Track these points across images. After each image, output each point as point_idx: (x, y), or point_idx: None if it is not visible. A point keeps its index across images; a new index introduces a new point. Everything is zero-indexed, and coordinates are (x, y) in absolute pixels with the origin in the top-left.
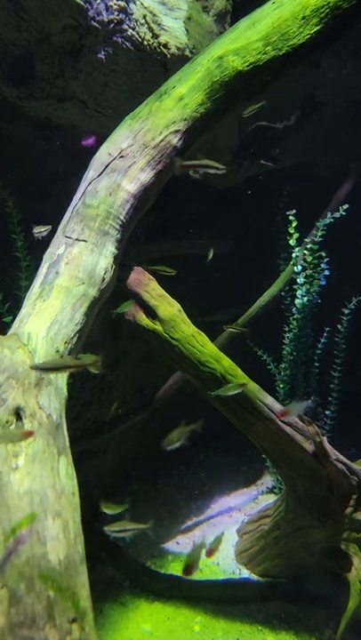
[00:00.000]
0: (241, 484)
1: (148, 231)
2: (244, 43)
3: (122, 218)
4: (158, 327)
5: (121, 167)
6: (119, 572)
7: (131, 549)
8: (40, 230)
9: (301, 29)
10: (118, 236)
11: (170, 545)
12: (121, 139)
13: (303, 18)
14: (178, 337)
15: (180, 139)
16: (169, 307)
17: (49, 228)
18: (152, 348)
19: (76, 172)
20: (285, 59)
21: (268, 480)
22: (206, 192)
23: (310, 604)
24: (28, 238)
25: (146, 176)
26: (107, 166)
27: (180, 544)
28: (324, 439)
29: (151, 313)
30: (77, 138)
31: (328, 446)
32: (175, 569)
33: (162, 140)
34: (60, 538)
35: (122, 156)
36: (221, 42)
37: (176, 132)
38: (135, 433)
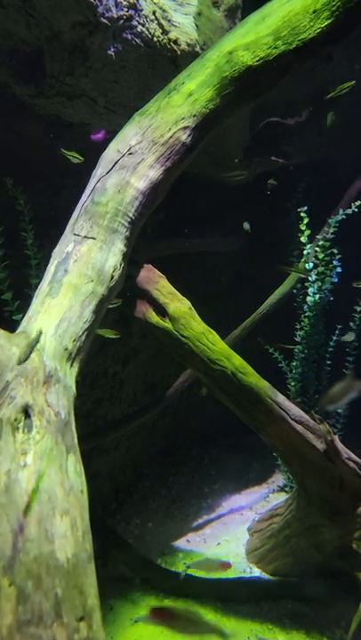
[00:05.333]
0: (252, 481)
1: (159, 229)
2: (254, 37)
3: (130, 215)
4: (168, 325)
5: (130, 164)
6: (129, 569)
7: (141, 546)
8: None
9: (312, 23)
10: (127, 233)
11: (180, 542)
12: (130, 135)
13: (314, 11)
14: (188, 334)
15: (189, 135)
16: (179, 304)
17: None
18: (162, 346)
19: (86, 169)
20: (296, 53)
21: (279, 478)
22: (217, 189)
23: (322, 604)
24: (39, 236)
25: (155, 173)
26: (115, 163)
27: (191, 542)
28: (336, 438)
29: (161, 311)
30: (87, 135)
31: (340, 445)
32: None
33: (171, 137)
34: (68, 536)
35: (130, 153)
36: (231, 37)
37: (185, 128)
38: (146, 430)
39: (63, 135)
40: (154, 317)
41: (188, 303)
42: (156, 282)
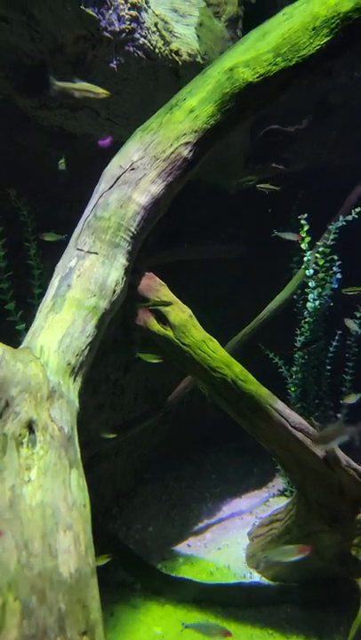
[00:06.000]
0: (252, 485)
1: (160, 236)
2: (255, 54)
3: (132, 230)
4: (169, 333)
5: (132, 179)
6: (130, 574)
7: (142, 551)
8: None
9: (312, 40)
10: (129, 247)
11: (181, 547)
12: (132, 151)
13: (313, 29)
14: (189, 342)
15: (190, 150)
16: (180, 312)
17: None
18: (163, 354)
19: (88, 179)
20: (296, 69)
21: (279, 482)
22: (218, 196)
23: (321, 609)
24: (42, 246)
25: (157, 188)
26: (118, 179)
27: (192, 546)
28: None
29: (162, 319)
30: (90, 145)
31: (339, 452)
32: (186, 572)
33: (172, 152)
34: (71, 550)
35: (133, 169)
36: (231, 53)
37: (187, 143)
38: (147, 435)
39: (66, 146)
40: (155, 325)
41: (188, 311)
42: (158, 290)
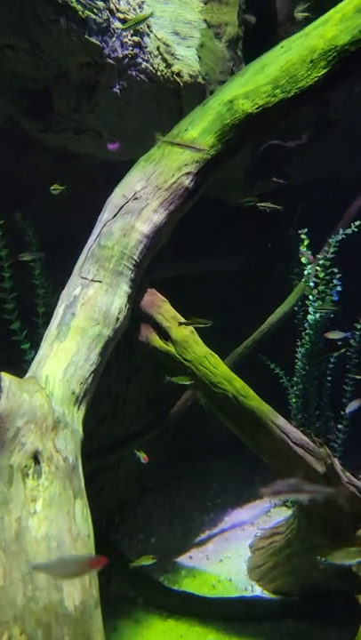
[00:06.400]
0: (253, 495)
1: (162, 250)
2: (254, 86)
3: (135, 258)
4: (171, 349)
5: (135, 209)
6: (132, 587)
7: None
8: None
9: (309, 72)
10: (132, 275)
11: (183, 559)
12: (134, 181)
13: (311, 61)
14: (190, 358)
15: (191, 180)
16: (182, 328)
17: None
18: (165, 369)
19: (91, 197)
20: (294, 100)
21: None
22: (219, 208)
23: (323, 624)
24: (45, 264)
25: (159, 217)
26: (121, 208)
27: (193, 558)
28: (336, 461)
29: (164, 334)
30: (93, 165)
31: (339, 468)
32: (188, 584)
33: (174, 182)
34: (75, 583)
35: (135, 198)
36: (231, 85)
37: (188, 173)
38: (149, 444)
39: (70, 166)
40: (157, 341)
41: (190, 327)
42: (160, 306)
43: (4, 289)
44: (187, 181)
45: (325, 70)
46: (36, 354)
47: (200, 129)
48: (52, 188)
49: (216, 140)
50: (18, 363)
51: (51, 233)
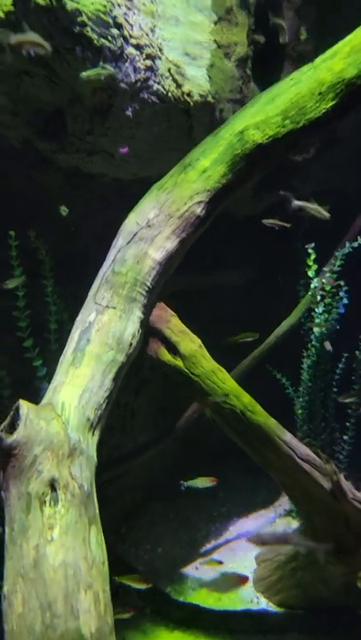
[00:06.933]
0: (258, 505)
1: None
2: (264, 117)
3: (148, 284)
4: (179, 363)
5: (148, 236)
6: (140, 598)
7: (151, 574)
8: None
9: (318, 104)
10: (145, 301)
11: (189, 570)
12: (148, 209)
13: (320, 94)
14: (199, 373)
15: (203, 208)
16: (190, 343)
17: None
18: (173, 383)
19: (102, 213)
20: (303, 131)
21: (285, 501)
22: (227, 221)
23: (327, 638)
24: (58, 281)
25: (171, 244)
26: (134, 235)
27: (199, 569)
28: (342, 478)
29: (172, 349)
30: (104, 183)
31: (345, 485)
32: (195, 595)
33: (186, 211)
34: (91, 610)
35: (149, 226)
36: (242, 116)
37: (199, 202)
38: (155, 452)
39: (83, 184)
40: (165, 355)
41: (198, 341)
42: (168, 320)
43: (17, 307)
44: (198, 210)
45: (334, 102)
46: (47, 369)
47: (212, 159)
48: (61, 208)
49: (227, 170)
50: (30, 378)
51: (63, 249)
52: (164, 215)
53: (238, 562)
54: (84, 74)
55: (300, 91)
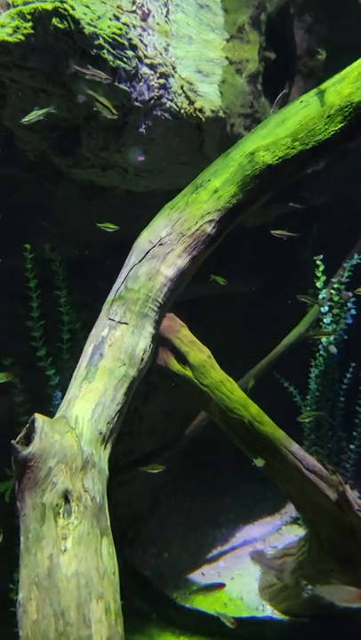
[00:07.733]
0: (265, 511)
1: None
2: (274, 139)
3: (160, 300)
4: (188, 373)
5: (160, 254)
6: (146, 603)
7: (157, 579)
8: None
9: (327, 126)
10: (156, 317)
11: (195, 575)
12: (160, 227)
13: (328, 116)
14: (207, 383)
15: (213, 227)
16: (199, 353)
17: None
18: (182, 392)
19: (114, 223)
20: (312, 152)
21: (291, 508)
22: (236, 230)
23: None
24: (70, 290)
25: (182, 262)
26: (147, 253)
27: (206, 575)
28: (348, 489)
29: (182, 359)
30: (116, 194)
31: (351, 496)
32: (201, 602)
33: (197, 230)
34: (102, 620)
35: (161, 244)
36: (252, 138)
37: (210, 221)
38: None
39: (96, 196)
40: (175, 365)
41: (207, 352)
42: (178, 331)
43: (31, 317)
44: (209, 228)
45: (342, 125)
46: (59, 378)
47: (223, 179)
48: (102, 225)
49: (238, 190)
50: (42, 386)
51: (74, 257)
52: (176, 233)
53: (244, 569)
54: (25, 119)
55: (309, 113)
